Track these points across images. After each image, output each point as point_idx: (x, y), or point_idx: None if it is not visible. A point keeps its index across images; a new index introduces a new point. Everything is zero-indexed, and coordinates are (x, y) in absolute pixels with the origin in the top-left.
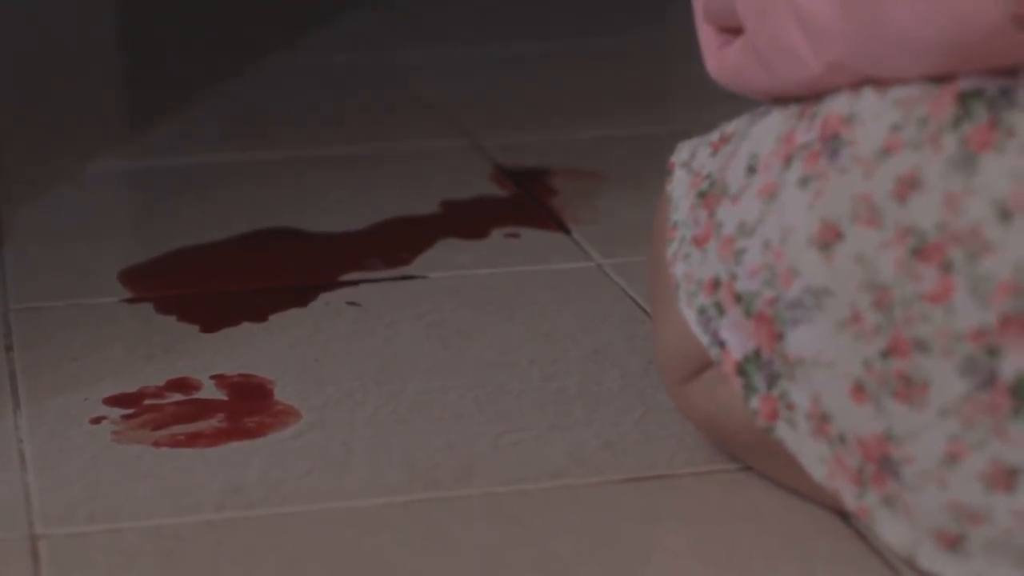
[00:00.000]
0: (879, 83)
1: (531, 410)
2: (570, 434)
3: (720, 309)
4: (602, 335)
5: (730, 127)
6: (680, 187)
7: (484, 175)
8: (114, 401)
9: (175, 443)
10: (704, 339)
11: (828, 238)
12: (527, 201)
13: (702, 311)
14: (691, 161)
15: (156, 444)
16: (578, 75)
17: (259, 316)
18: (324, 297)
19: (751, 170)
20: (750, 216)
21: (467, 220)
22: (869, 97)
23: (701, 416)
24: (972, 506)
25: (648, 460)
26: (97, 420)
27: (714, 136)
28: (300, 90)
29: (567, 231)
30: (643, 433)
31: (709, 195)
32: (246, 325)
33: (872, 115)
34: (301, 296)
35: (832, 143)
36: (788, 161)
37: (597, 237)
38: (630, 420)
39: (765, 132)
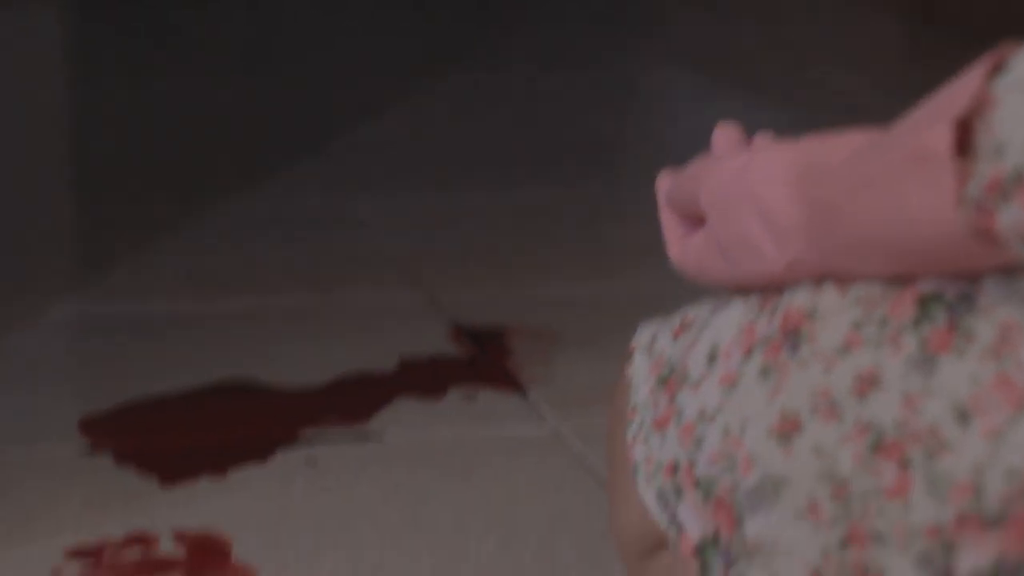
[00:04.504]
0: (840, 279)
1: None
2: None
3: (679, 492)
4: (557, 502)
5: (691, 314)
6: (640, 371)
7: (442, 332)
8: (75, 554)
9: None
10: (662, 521)
11: (787, 429)
12: (484, 361)
13: (660, 494)
14: (652, 345)
15: None
16: (532, 228)
17: (218, 470)
18: (282, 454)
19: (712, 358)
20: (710, 404)
21: (424, 379)
22: (830, 293)
23: None
24: None
25: None
26: (57, 572)
27: (675, 322)
28: (255, 239)
29: (523, 392)
30: None
31: (669, 380)
32: (205, 480)
33: (833, 311)
34: (260, 451)
35: (793, 337)
36: (749, 352)
37: (552, 399)
38: None
39: (726, 321)
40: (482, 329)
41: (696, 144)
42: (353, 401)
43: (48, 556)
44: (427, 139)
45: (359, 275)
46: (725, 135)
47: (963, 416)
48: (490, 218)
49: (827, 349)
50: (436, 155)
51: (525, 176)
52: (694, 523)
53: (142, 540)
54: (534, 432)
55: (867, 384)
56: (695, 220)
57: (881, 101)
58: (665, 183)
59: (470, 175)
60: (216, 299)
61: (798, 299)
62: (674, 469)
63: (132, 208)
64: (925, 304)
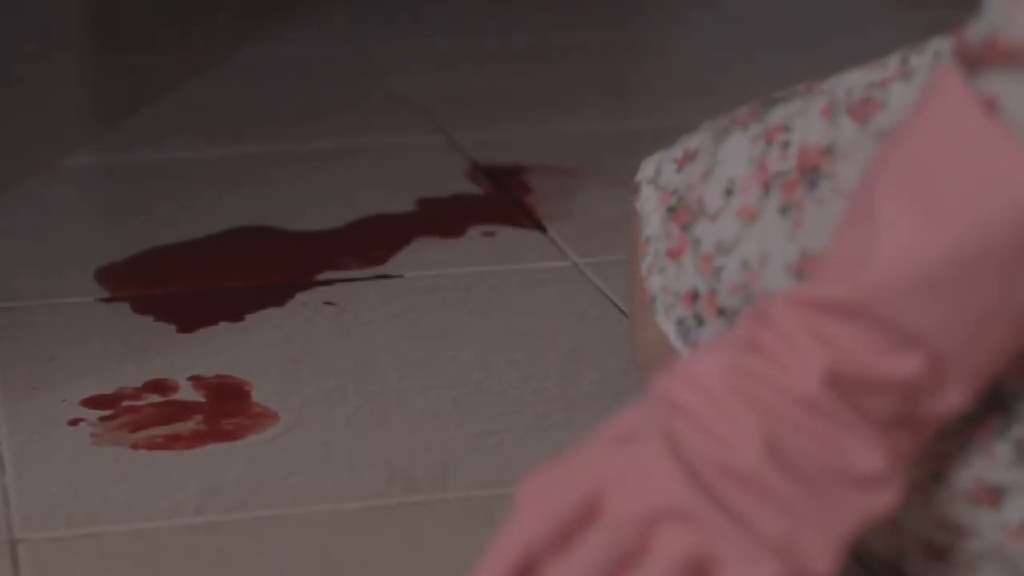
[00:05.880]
0: (857, 113)
1: (509, 411)
2: (549, 436)
3: (699, 320)
4: (579, 335)
5: (692, 143)
6: (649, 203)
7: (460, 172)
8: (92, 402)
9: (153, 445)
10: (683, 351)
11: (806, 268)
12: (503, 199)
13: (681, 322)
14: (657, 178)
15: (134, 446)
16: (551, 69)
17: (236, 316)
18: (301, 296)
19: (728, 192)
20: (727, 235)
21: (443, 218)
22: (848, 128)
23: None
24: (960, 521)
25: None
26: (75, 422)
27: (677, 152)
28: (270, 85)
29: (543, 229)
30: None
31: (678, 209)
32: (223, 325)
33: (853, 148)
34: (277, 295)
35: (811, 175)
36: (767, 187)
37: (572, 235)
38: None
39: (736, 155)
40: (500, 168)
41: None
42: (372, 242)
43: (66, 406)
44: None
45: (375, 117)
46: None
47: None
48: (506, 58)
49: (847, 186)
50: None
51: (543, 16)
52: None
53: (161, 387)
54: (555, 267)
55: None
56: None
57: None
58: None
59: (486, 15)
60: (231, 144)
61: (813, 135)
62: (694, 297)
63: (146, 54)
64: None
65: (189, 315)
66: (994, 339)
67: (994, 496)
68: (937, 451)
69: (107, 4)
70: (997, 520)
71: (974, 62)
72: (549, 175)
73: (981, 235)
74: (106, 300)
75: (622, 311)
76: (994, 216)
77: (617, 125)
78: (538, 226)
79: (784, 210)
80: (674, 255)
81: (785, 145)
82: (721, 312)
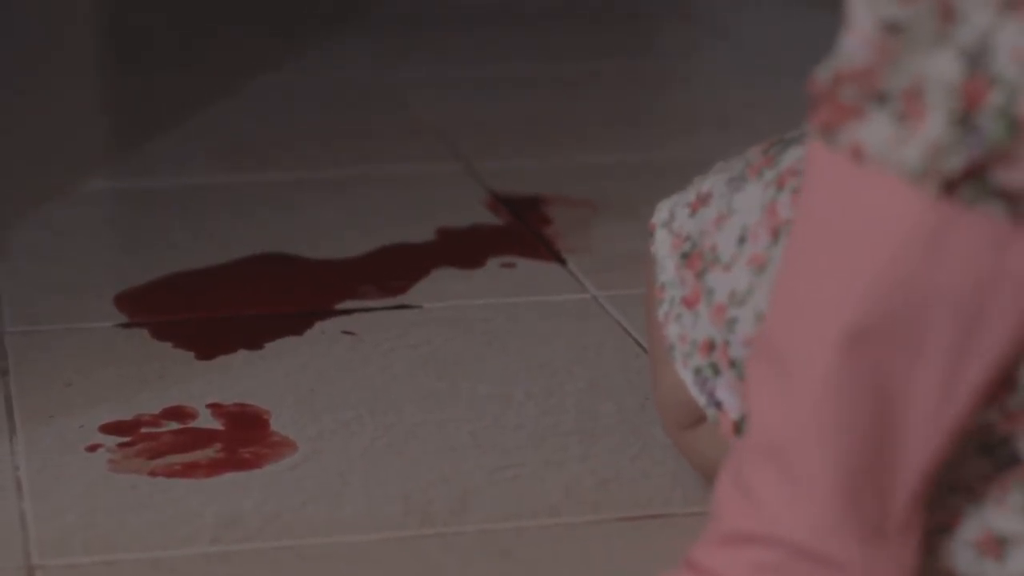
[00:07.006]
0: None
1: (527, 444)
2: (566, 470)
3: (716, 370)
4: (598, 368)
5: (705, 186)
6: (663, 248)
7: (479, 202)
8: (110, 429)
9: (171, 473)
10: (701, 400)
11: None
12: (522, 230)
13: (698, 371)
14: (671, 222)
15: (152, 474)
16: (569, 98)
17: (255, 344)
18: (320, 325)
19: (742, 240)
20: (740, 285)
21: (463, 249)
22: None
23: (703, 461)
24: (966, 574)
25: (644, 498)
26: (93, 448)
27: (690, 196)
28: (292, 111)
29: (562, 261)
30: (639, 470)
31: (692, 256)
32: (242, 352)
33: None
34: (297, 324)
35: None
36: (776, 236)
37: (591, 267)
38: (626, 456)
39: (749, 203)
40: (520, 198)
41: (739, 12)
42: (391, 272)
43: (84, 432)
44: (465, 9)
45: (396, 146)
46: None
47: None
48: (527, 88)
49: None
50: (474, 25)
51: (561, 46)
52: (732, 400)
53: (179, 414)
54: (574, 299)
55: None
56: None
57: None
58: None
59: (505, 45)
60: (250, 171)
61: None
62: (710, 347)
63: (166, 80)
64: None
65: (208, 342)
66: (954, 381)
67: (999, 548)
68: (947, 504)
69: (127, 29)
70: (1001, 572)
71: (829, 120)
72: (568, 206)
73: (896, 273)
74: (125, 326)
75: (640, 344)
76: (897, 252)
77: (635, 156)
78: (557, 258)
79: None
80: (690, 304)
81: (796, 191)
82: (733, 363)
